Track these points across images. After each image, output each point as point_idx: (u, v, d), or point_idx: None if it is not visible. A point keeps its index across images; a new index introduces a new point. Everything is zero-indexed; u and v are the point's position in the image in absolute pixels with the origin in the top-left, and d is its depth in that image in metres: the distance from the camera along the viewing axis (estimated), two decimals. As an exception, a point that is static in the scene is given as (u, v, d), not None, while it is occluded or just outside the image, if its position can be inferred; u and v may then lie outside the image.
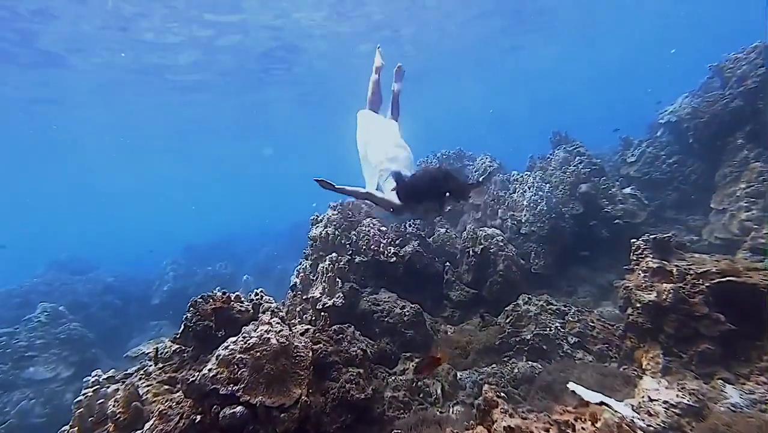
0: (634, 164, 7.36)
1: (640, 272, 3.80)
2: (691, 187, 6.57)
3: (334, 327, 4.22)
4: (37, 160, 27.03)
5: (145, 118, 19.83)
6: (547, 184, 6.40)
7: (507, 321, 4.67)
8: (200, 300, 3.45)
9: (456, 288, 5.78)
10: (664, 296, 3.25)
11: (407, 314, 5.02)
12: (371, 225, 5.97)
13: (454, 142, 9.19)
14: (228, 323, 3.48)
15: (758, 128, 5.65)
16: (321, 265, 5.21)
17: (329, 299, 4.85)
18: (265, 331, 3.26)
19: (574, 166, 6.60)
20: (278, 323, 3.52)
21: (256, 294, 3.84)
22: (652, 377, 3.23)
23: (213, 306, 3.33)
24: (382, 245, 5.72)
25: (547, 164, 7.21)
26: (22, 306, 10.04)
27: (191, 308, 3.42)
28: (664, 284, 3.35)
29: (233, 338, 3.16)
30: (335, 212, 6.14)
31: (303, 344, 3.55)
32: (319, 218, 6.02)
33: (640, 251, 4.07)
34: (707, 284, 3.23)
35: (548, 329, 4.21)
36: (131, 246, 24.09)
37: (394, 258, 5.66)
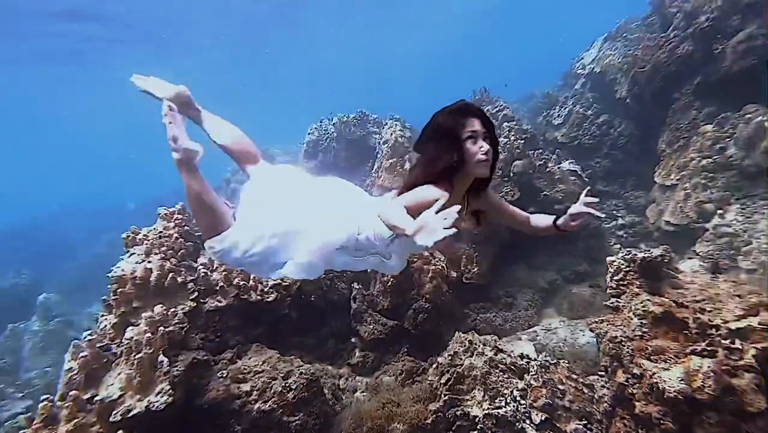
0: (561, 127, 6.31)
1: (632, 316, 2.53)
2: (622, 153, 5.72)
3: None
4: None
5: None
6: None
7: (442, 382, 3.18)
8: None
9: (368, 320, 4.11)
10: (701, 383, 1.97)
11: (293, 386, 3.21)
12: (231, 243, 3.81)
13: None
14: None
15: (710, 80, 4.74)
16: (131, 332, 2.96)
17: (139, 400, 2.71)
18: None
19: (504, 137, 5.18)
20: None
21: None
22: None
23: None
24: (253, 275, 3.66)
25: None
26: None
27: None
28: (694, 359, 2.07)
29: None
30: (169, 224, 3.77)
31: None
32: (137, 238, 3.59)
33: (621, 277, 2.81)
34: (754, 351, 2.03)
35: (504, 403, 2.81)
36: None
37: (275, 294, 3.67)
